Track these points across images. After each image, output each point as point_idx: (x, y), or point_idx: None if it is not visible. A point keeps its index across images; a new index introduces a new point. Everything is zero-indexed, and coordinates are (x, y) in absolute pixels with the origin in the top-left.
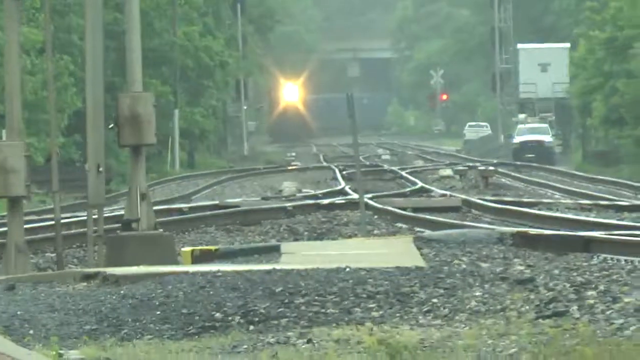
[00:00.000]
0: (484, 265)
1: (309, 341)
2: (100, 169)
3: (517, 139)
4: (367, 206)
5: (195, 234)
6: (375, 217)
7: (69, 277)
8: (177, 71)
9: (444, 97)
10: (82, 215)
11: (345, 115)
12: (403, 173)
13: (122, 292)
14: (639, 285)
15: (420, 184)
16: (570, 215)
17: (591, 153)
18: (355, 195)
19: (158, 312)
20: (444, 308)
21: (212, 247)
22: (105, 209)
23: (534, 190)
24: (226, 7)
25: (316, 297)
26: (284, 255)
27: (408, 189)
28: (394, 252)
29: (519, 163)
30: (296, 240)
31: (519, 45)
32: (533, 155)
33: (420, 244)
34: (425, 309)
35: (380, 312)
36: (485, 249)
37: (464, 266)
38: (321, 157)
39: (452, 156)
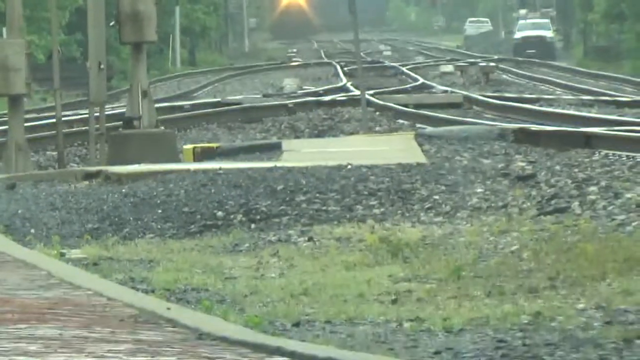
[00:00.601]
0: (485, 161)
1: (310, 239)
2: (102, 67)
3: (518, 35)
4: (369, 103)
5: (197, 131)
6: (377, 113)
7: (71, 176)
8: None
9: None
10: (84, 113)
11: (346, 11)
12: (404, 69)
13: (123, 190)
14: None
15: (421, 80)
16: (571, 111)
17: (592, 48)
18: (356, 92)
19: (160, 211)
20: (446, 205)
21: (214, 145)
22: (106, 106)
23: (535, 86)
24: None
25: (317, 195)
26: (286, 152)
27: (409, 85)
28: (395, 148)
29: (520, 59)
30: (297, 137)
31: None
32: (534, 51)
33: (422, 141)
34: (427, 206)
35: (382, 210)
36: (486, 145)
37: (465, 162)
38: (322, 54)
39: (453, 52)
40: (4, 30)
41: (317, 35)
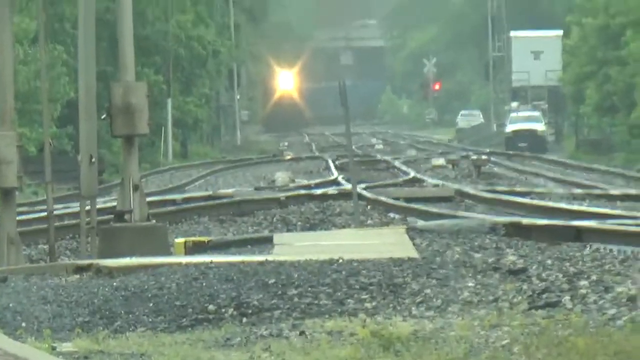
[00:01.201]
0: (476, 255)
1: (302, 333)
2: (93, 160)
3: (509, 128)
4: (360, 196)
5: (189, 224)
6: (368, 207)
7: (62, 269)
8: (170, 60)
9: (437, 86)
10: (75, 207)
11: (337, 104)
12: (396, 163)
13: (115, 284)
14: (631, 274)
15: (413, 173)
16: (562, 205)
17: (584, 141)
18: (348, 186)
19: (151, 304)
20: (437, 299)
21: (205, 238)
22: (98, 200)
23: (527, 179)
24: None
25: (309, 289)
26: (277, 246)
27: (401, 179)
28: (387, 242)
29: (511, 152)
30: (289, 231)
31: (512, 33)
32: (526, 144)
33: (413, 235)
34: (418, 300)
35: (373, 304)
36: (477, 239)
37: (456, 256)
38: (314, 147)
39: (445, 145)
40: None
41: (309, 128)
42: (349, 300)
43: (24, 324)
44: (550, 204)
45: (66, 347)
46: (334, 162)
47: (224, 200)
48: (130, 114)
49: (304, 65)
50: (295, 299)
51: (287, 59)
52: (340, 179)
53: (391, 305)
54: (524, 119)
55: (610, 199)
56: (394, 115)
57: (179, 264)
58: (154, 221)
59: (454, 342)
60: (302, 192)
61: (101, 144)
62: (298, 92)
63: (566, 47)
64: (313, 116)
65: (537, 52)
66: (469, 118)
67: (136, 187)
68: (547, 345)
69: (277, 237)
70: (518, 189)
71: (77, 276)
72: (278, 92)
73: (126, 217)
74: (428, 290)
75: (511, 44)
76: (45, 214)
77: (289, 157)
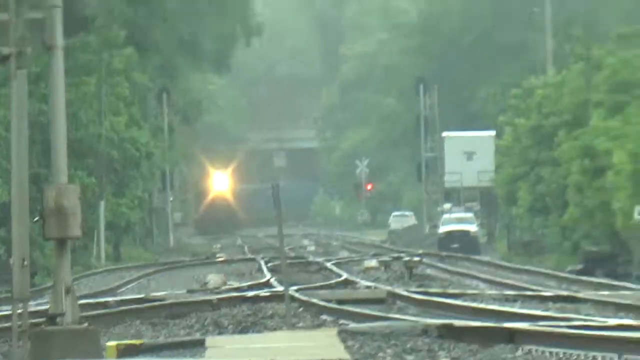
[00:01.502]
0: (409, 358)
1: None
2: (25, 263)
3: (442, 229)
4: (292, 298)
5: (121, 327)
6: (301, 309)
7: None
8: (103, 163)
9: (369, 187)
10: (7, 310)
11: (270, 205)
12: (328, 264)
13: None
14: None
15: (345, 275)
16: (495, 307)
17: (516, 242)
18: (280, 288)
19: None
20: None
21: (137, 342)
22: (30, 302)
23: (459, 280)
24: (152, 97)
25: None
26: (209, 349)
27: (333, 281)
28: (319, 345)
29: (444, 253)
30: (221, 333)
31: (444, 134)
32: (458, 245)
33: (345, 337)
34: None
35: None
36: (410, 342)
37: (388, 359)
38: (246, 249)
39: (377, 247)
40: None
41: (242, 229)
42: None
43: None
44: (483, 305)
45: None
46: (266, 264)
47: (156, 303)
48: (62, 217)
49: (238, 166)
50: None
51: (221, 160)
52: (272, 280)
53: None
54: (457, 220)
55: (543, 300)
56: (326, 216)
57: None
58: (86, 324)
59: None
60: (235, 294)
61: (33, 247)
62: (231, 193)
63: (499, 148)
64: (246, 217)
65: (469, 153)
66: (401, 219)
67: (68, 290)
68: None
69: (210, 340)
70: (450, 290)
71: None
72: (211, 193)
73: (58, 320)
74: None
75: (443, 144)
76: None
77: (221, 259)
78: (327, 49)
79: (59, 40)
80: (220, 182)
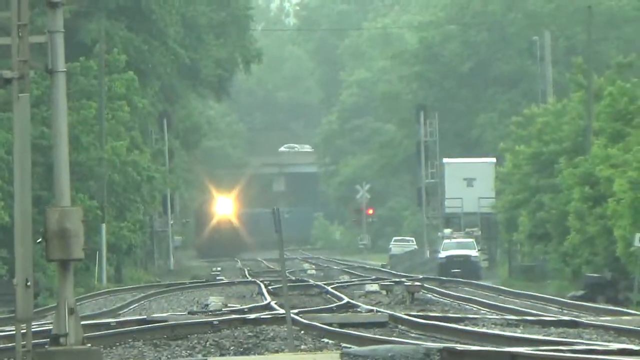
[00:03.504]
0: None
1: None
2: (29, 284)
3: (443, 254)
4: (294, 321)
5: (123, 348)
6: (302, 332)
7: None
8: (105, 186)
9: (370, 211)
10: (11, 330)
11: (270, 230)
12: (329, 288)
13: None
14: None
15: (346, 299)
16: (496, 331)
17: (517, 268)
18: (281, 310)
19: None
20: None
21: None
22: (33, 323)
23: (460, 305)
24: (153, 121)
25: None
26: None
27: (334, 304)
28: None
29: (445, 278)
30: (223, 355)
31: (445, 160)
32: (459, 270)
33: None
34: None
35: None
36: None
37: None
38: (246, 272)
39: (378, 271)
40: None
41: (244, 253)
42: None
43: None
44: (484, 329)
45: None
46: (266, 287)
47: (158, 324)
48: (65, 239)
49: (240, 190)
50: None
51: (221, 184)
52: (273, 304)
53: None
54: (457, 246)
55: (545, 325)
56: (326, 241)
57: None
58: (89, 345)
59: None
60: (236, 316)
61: (36, 268)
62: (236, 217)
63: (499, 174)
64: (249, 241)
65: (469, 179)
66: (402, 244)
67: (71, 311)
68: None
69: None
70: (452, 314)
71: None
72: (216, 216)
73: (61, 340)
74: None
75: (444, 170)
76: None
77: (221, 282)
78: (326, 75)
79: (61, 64)
80: (225, 206)
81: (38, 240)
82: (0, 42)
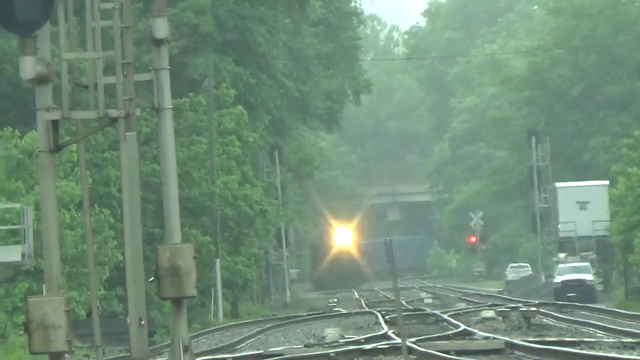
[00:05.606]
0: None
1: None
2: (142, 322)
3: (558, 279)
4: (410, 350)
5: None
6: None
7: None
8: (217, 220)
9: (473, 239)
10: None
11: (385, 260)
12: (445, 316)
13: None
14: None
15: (462, 326)
16: (613, 354)
17: (633, 290)
18: (398, 340)
19: None
20: None
21: None
22: None
23: (577, 329)
24: (264, 155)
25: None
26: None
27: (450, 332)
28: None
29: (560, 302)
30: None
31: (557, 184)
32: (575, 294)
33: None
34: None
35: None
36: None
37: None
38: (363, 303)
39: (494, 297)
40: (44, 287)
41: (364, 284)
42: None
43: None
44: (601, 352)
45: None
46: (383, 316)
47: (275, 359)
48: (177, 277)
49: (356, 221)
50: None
51: (337, 215)
52: (390, 333)
53: None
54: (573, 270)
55: None
56: (442, 269)
57: None
58: None
59: None
60: (352, 347)
61: (152, 306)
62: (356, 247)
63: (612, 197)
64: (368, 272)
65: (583, 203)
66: (517, 270)
67: (186, 348)
68: None
69: None
70: (568, 339)
71: None
72: (335, 247)
73: None
74: None
75: (557, 194)
76: None
77: (338, 313)
78: (436, 103)
79: (168, 101)
80: (344, 237)
81: (150, 279)
82: (106, 81)
